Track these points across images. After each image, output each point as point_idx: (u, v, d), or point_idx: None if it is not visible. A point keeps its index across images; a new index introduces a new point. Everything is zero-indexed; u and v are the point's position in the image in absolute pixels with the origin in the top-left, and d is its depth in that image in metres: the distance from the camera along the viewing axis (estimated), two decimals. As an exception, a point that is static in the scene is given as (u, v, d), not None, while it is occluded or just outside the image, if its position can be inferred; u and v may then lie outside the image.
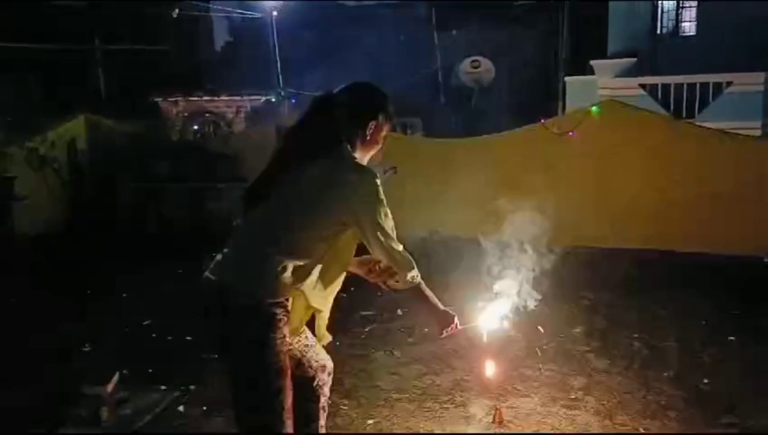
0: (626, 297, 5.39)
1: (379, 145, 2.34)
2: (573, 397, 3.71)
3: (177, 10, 20.54)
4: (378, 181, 2.16)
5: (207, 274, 2.24)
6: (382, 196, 2.18)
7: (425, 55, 17.24)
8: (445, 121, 15.34)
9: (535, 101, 15.12)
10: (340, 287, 2.35)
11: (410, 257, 2.28)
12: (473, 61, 16.23)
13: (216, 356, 2.29)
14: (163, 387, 3.89)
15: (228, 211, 7.88)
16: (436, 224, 7.29)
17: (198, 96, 14.32)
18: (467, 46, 16.94)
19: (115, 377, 3.58)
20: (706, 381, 3.85)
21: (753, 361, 4.12)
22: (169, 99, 14.66)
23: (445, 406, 3.60)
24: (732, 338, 4.48)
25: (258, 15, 19.68)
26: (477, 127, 12.06)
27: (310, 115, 2.29)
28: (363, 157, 2.31)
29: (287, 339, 2.19)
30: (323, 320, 2.37)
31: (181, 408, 3.69)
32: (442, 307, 2.42)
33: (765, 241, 6.07)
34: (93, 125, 8.82)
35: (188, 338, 4.73)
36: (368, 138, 2.28)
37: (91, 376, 3.60)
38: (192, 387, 3.93)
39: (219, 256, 2.27)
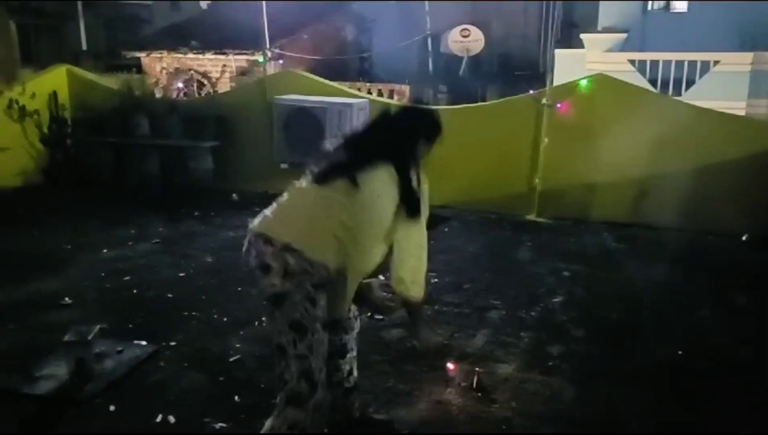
0: (606, 270, 5.45)
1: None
2: (550, 364, 3.76)
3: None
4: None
5: (262, 229, 2.36)
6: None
7: (415, 21, 17.02)
8: (432, 89, 15.25)
9: (525, 72, 15.09)
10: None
11: None
12: (463, 29, 16.09)
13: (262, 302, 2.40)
14: (142, 342, 3.89)
15: (210, 171, 7.82)
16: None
17: (182, 53, 14.04)
18: (458, 14, 16.77)
19: (96, 329, 3.57)
20: (680, 352, 3.92)
21: (725, 335, 4.21)
22: (153, 54, 14.37)
23: (424, 369, 3.63)
24: (707, 312, 4.56)
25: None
26: (464, 96, 12.00)
27: (376, 126, 2.65)
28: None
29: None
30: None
31: (161, 363, 3.70)
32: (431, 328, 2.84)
33: (746, 219, 6.15)
34: (74, 78, 8.62)
35: (169, 295, 4.72)
36: (420, 157, 2.62)
37: (70, 328, 3.57)
38: (172, 343, 3.93)
39: (270, 214, 2.43)
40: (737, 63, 13.01)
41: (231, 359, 3.75)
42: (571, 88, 6.78)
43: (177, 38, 14.63)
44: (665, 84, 13.37)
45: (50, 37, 19.15)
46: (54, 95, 8.26)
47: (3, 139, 7.71)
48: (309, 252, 2.27)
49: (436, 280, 5.04)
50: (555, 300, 4.76)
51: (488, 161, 7.08)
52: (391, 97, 12.60)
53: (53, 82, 8.42)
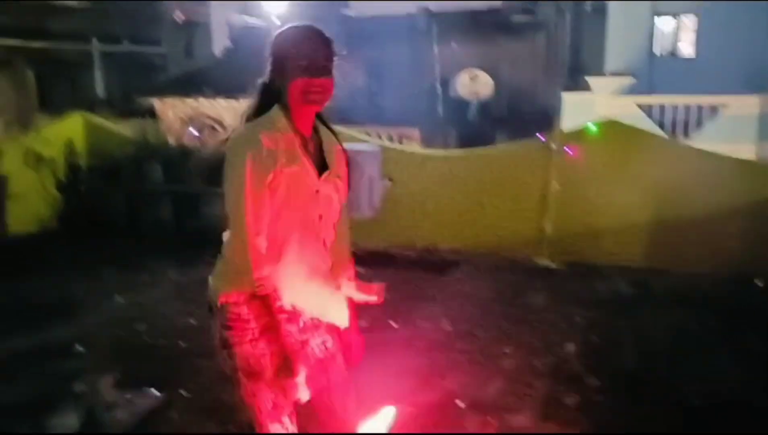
0: (620, 316, 5.41)
1: (306, 103, 2.06)
2: (565, 414, 3.72)
3: (181, 15, 20.57)
4: (240, 149, 1.99)
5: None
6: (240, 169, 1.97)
7: (424, 67, 17.30)
8: (442, 133, 15.38)
9: (532, 115, 15.20)
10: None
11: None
12: (471, 73, 16.31)
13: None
14: (155, 391, 3.88)
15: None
16: (434, 237, 7.31)
17: (195, 99, 14.27)
18: (466, 59, 17.02)
19: (109, 379, 3.57)
20: (696, 401, 3.86)
21: (740, 380, 4.14)
22: (166, 101, 14.60)
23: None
24: (722, 358, 4.50)
25: (259, 22, 19.74)
26: (473, 139, 12.10)
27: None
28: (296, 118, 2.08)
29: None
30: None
31: (173, 413, 3.68)
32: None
33: (757, 263, 6.11)
34: (89, 125, 8.78)
35: (181, 343, 4.72)
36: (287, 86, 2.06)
37: (83, 377, 3.58)
38: (184, 393, 3.92)
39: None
40: (745, 106, 13.08)
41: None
42: (579, 132, 6.83)
43: (191, 85, 14.90)
44: (673, 127, 13.43)
45: (66, 83, 19.57)
46: (69, 142, 8.40)
47: (19, 185, 7.81)
48: None
49: (449, 327, 5.02)
50: (569, 348, 4.72)
51: (497, 205, 7.10)
52: (401, 141, 12.71)
53: (69, 128, 8.58)
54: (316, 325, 2.18)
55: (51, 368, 4.28)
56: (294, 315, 2.11)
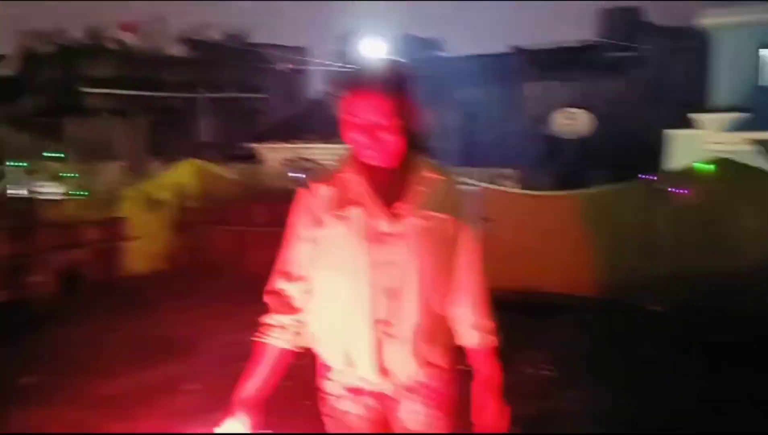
0: (739, 366, 5.07)
1: (349, 132, 1.77)
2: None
3: (290, 65, 21.47)
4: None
5: None
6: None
7: (519, 106, 17.23)
8: (539, 173, 15.18)
9: (634, 154, 14.76)
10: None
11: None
12: (568, 112, 16.09)
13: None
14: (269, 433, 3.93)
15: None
16: (532, 279, 7.17)
17: (295, 143, 14.82)
18: (563, 97, 16.82)
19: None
20: None
21: None
22: (268, 145, 15.23)
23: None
24: None
25: (355, 66, 20.30)
26: (571, 180, 11.87)
27: None
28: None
29: None
30: None
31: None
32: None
33: None
34: (199, 170, 9.28)
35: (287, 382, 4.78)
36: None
37: (197, 417, 3.68)
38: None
39: None
40: None
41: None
42: (687, 171, 6.56)
43: (290, 129, 15.48)
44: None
45: (174, 130, 20.78)
46: (181, 186, 8.89)
47: (134, 227, 8.31)
48: None
49: (554, 374, 4.87)
50: (688, 399, 4.46)
51: (600, 247, 6.89)
52: (496, 181, 12.64)
53: (181, 173, 9.09)
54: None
55: (164, 405, 4.43)
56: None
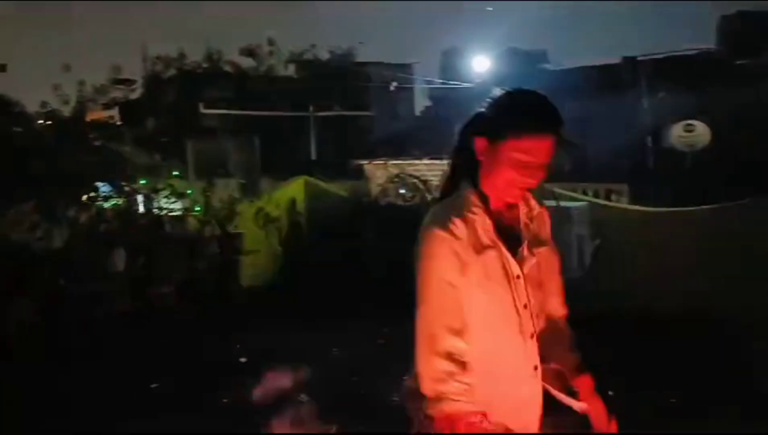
0: None
1: (514, 173, 1.68)
2: None
3: (395, 83, 21.83)
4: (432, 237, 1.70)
5: None
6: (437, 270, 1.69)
7: (631, 118, 16.60)
8: (654, 188, 14.53)
9: (759, 168, 13.82)
10: None
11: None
12: (687, 124, 15.31)
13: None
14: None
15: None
16: (649, 300, 6.83)
17: (401, 159, 14.97)
18: (679, 108, 16.05)
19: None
20: None
21: None
22: (375, 162, 15.47)
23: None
24: None
25: (457, 83, 20.34)
26: (688, 195, 11.26)
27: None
28: (489, 190, 1.75)
29: None
30: None
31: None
32: None
33: None
34: (310, 187, 9.58)
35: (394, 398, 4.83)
36: (481, 161, 1.73)
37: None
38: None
39: None
40: None
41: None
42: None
43: (397, 146, 15.66)
44: None
45: (284, 147, 21.54)
46: (293, 203, 9.20)
47: (249, 243, 8.68)
48: None
49: (671, 399, 4.61)
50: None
51: (721, 269, 6.45)
52: (608, 198, 12.20)
53: (293, 190, 9.42)
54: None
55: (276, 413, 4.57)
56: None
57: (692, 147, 15.22)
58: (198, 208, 8.63)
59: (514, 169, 1.67)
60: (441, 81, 24.40)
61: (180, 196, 8.63)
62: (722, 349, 5.88)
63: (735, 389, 4.91)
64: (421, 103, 28.07)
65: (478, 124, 1.74)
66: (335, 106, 24.86)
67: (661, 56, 18.95)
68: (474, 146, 1.72)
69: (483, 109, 1.76)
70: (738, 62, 17.40)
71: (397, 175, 14.10)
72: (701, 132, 15.16)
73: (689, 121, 15.28)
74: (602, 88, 17.39)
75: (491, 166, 1.70)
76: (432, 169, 14.23)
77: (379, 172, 15.23)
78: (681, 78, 16.98)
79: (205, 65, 26.55)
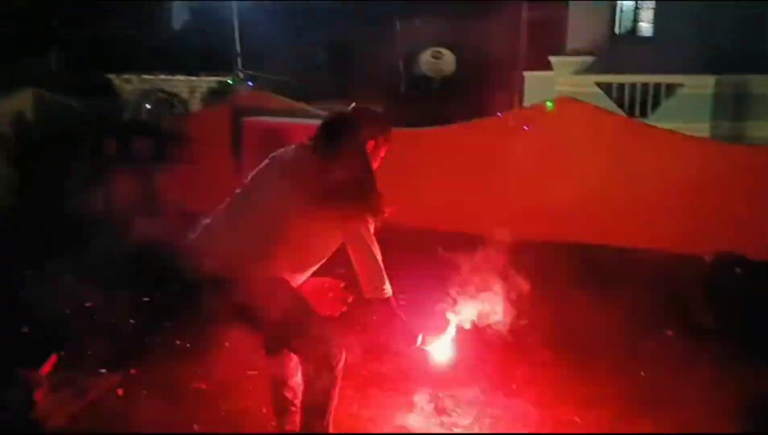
0: (571, 291, 5.46)
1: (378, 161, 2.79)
2: (514, 387, 3.77)
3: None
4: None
5: None
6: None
7: (387, 44, 17.19)
8: (404, 110, 15.35)
9: (495, 94, 15.26)
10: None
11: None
12: (434, 51, 16.27)
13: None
14: (102, 370, 3.82)
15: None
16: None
17: (153, 75, 14.01)
18: (430, 37, 16.96)
19: (52, 359, 3.50)
20: (643, 374, 3.95)
21: (689, 355, 4.24)
22: (123, 77, 14.32)
23: (388, 393, 3.61)
24: (670, 333, 4.60)
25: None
26: (435, 118, 12.08)
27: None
28: None
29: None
30: None
31: (120, 391, 3.63)
32: (406, 322, 2.72)
33: (709, 241, 6.24)
34: (41, 100, 8.55)
35: (131, 320, 4.65)
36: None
37: (26, 358, 3.50)
38: (132, 371, 3.86)
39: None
40: (700, 86, 13.32)
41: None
42: (537, 110, 6.88)
43: (149, 60, 14.60)
44: (632, 106, 13.62)
45: (21, 60, 19.01)
46: (21, 117, 8.19)
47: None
48: None
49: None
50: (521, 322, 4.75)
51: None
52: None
53: (19, 104, 8.36)
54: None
55: None
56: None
57: (439, 73, 16.28)
58: None
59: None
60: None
61: None
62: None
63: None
64: (179, 18, 26.31)
65: None
66: (83, 18, 22.31)
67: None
68: None
69: None
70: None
71: (145, 91, 13.26)
72: (447, 59, 16.24)
73: (436, 48, 16.26)
74: (360, 12, 17.71)
75: None
76: (186, 86, 13.59)
77: (127, 87, 14.15)
78: (434, 8, 17.86)
79: None
